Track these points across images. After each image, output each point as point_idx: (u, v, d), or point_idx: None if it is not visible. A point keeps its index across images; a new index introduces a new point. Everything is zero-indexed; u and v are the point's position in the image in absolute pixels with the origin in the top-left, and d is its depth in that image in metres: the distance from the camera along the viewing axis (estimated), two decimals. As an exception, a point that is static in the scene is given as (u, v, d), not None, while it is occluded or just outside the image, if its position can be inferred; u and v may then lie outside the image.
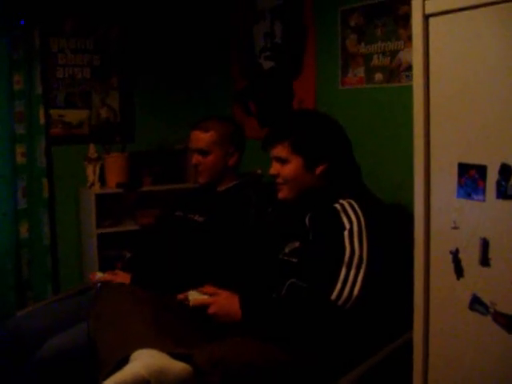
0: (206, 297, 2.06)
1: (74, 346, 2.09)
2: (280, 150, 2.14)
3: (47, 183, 3.55)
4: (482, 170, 1.38)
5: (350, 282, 1.89)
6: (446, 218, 1.48)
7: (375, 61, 2.68)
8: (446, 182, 1.47)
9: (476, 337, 1.43)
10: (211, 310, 2.01)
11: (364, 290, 1.89)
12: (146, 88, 3.86)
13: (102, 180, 3.56)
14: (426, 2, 1.47)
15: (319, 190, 2.12)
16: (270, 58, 3.36)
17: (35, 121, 3.50)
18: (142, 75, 3.84)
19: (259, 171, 2.83)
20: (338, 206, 2.02)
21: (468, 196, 1.42)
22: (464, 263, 1.45)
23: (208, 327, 2.03)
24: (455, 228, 1.46)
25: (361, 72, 2.76)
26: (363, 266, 1.90)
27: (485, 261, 1.40)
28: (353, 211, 1.98)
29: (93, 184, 3.52)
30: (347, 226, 1.95)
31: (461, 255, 1.46)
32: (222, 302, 2.02)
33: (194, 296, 2.07)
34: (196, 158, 2.57)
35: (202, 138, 2.56)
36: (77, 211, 3.71)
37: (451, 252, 1.48)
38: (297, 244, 2.09)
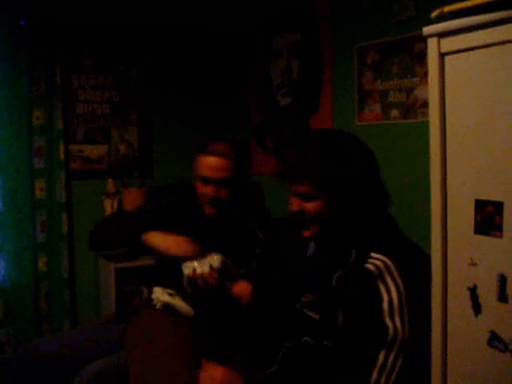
0: None
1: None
2: (303, 188, 1.85)
3: (66, 218, 3.59)
4: (498, 206, 1.38)
5: (387, 368, 1.66)
6: (463, 254, 1.48)
7: (391, 97, 2.70)
8: (463, 218, 1.47)
9: (495, 374, 1.41)
10: None
11: (401, 373, 1.67)
12: (164, 124, 3.91)
13: (120, 214, 3.58)
14: (441, 40, 1.49)
15: (348, 235, 1.85)
16: (287, 95, 3.40)
17: (55, 156, 3.55)
18: (161, 111, 3.89)
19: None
20: (371, 267, 1.71)
21: (485, 232, 1.42)
22: (482, 300, 1.44)
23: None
24: (472, 264, 1.46)
25: (377, 108, 2.79)
26: (404, 348, 1.66)
27: (503, 297, 1.39)
28: (391, 277, 1.70)
29: (111, 218, 3.55)
30: (385, 297, 1.69)
31: (478, 292, 1.45)
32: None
33: None
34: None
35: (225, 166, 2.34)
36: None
37: (469, 288, 1.47)
38: (314, 297, 1.84)
